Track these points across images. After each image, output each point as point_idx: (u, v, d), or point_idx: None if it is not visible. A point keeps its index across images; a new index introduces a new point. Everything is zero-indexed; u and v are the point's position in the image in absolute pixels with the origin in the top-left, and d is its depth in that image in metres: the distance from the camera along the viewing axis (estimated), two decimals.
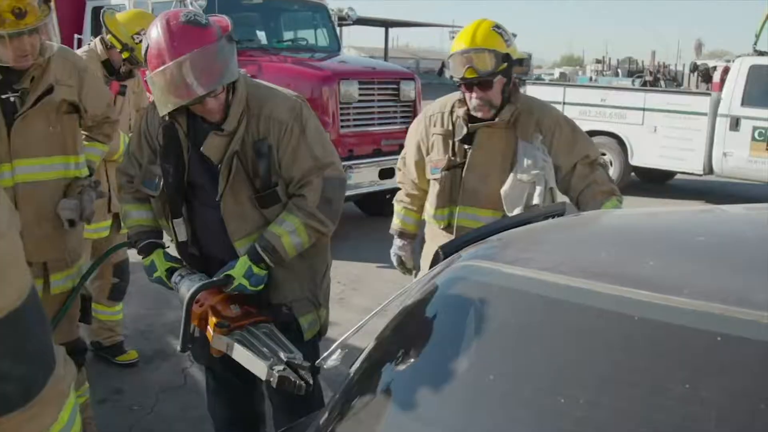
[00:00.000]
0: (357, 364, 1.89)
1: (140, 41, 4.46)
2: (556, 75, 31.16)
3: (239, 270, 2.76)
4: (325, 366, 2.14)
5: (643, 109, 11.93)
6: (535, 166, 3.18)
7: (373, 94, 8.43)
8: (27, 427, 1.18)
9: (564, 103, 12.65)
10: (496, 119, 3.26)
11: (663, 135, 11.71)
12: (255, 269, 2.77)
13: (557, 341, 1.52)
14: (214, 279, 2.79)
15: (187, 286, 2.82)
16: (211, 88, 2.62)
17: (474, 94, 3.24)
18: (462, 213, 3.34)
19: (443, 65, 4.18)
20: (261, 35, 9.29)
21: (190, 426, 4.16)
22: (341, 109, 7.99)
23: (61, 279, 3.32)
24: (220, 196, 2.82)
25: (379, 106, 8.57)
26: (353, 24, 12.51)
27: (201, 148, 2.79)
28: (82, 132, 3.66)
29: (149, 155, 2.97)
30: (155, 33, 2.60)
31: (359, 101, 8.18)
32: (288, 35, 9.63)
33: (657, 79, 19.21)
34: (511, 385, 1.49)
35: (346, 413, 1.76)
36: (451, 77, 3.29)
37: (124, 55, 4.64)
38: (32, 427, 1.19)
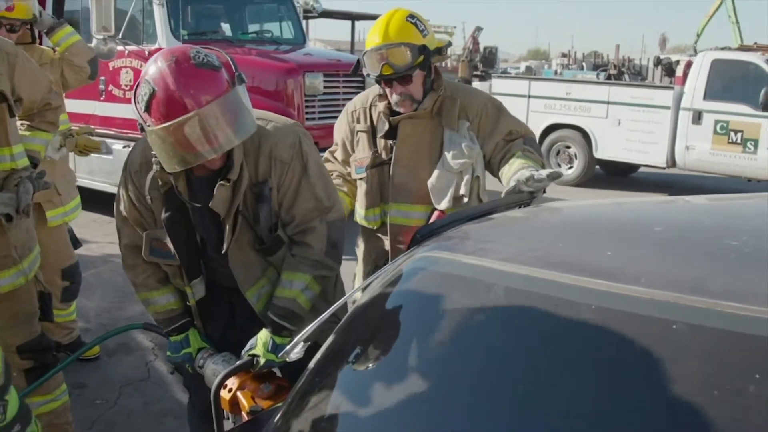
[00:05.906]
0: (317, 357, 1.88)
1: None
2: (522, 69, 31.32)
3: (262, 347, 2.54)
4: (288, 359, 2.14)
5: (608, 103, 12.07)
6: (461, 155, 3.11)
7: (339, 87, 8.40)
8: None
9: (529, 96, 12.80)
10: (418, 109, 3.16)
11: (627, 128, 11.88)
12: (278, 340, 2.54)
13: (516, 330, 1.52)
14: (239, 363, 2.54)
15: (212, 371, 2.65)
16: (232, 143, 2.31)
17: (394, 90, 3.15)
18: (394, 211, 3.24)
19: (359, 63, 3.32)
20: (225, 27, 9.21)
21: (153, 419, 4.13)
22: (306, 101, 7.97)
23: (9, 277, 3.05)
24: (227, 248, 2.60)
25: (344, 99, 8.53)
26: (318, 17, 12.47)
27: (210, 204, 2.49)
28: (23, 121, 3.44)
29: (150, 221, 2.67)
30: (160, 76, 2.21)
31: (324, 93, 8.16)
32: (253, 27, 9.53)
33: (621, 72, 19.43)
34: (470, 375, 1.49)
35: (305, 407, 1.75)
36: (368, 74, 3.19)
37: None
38: None
